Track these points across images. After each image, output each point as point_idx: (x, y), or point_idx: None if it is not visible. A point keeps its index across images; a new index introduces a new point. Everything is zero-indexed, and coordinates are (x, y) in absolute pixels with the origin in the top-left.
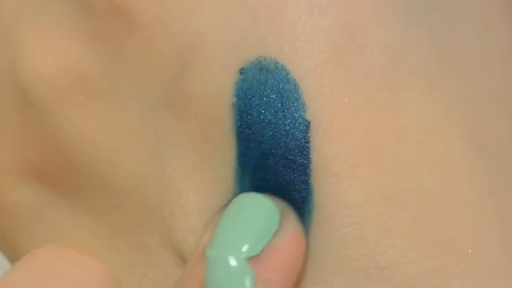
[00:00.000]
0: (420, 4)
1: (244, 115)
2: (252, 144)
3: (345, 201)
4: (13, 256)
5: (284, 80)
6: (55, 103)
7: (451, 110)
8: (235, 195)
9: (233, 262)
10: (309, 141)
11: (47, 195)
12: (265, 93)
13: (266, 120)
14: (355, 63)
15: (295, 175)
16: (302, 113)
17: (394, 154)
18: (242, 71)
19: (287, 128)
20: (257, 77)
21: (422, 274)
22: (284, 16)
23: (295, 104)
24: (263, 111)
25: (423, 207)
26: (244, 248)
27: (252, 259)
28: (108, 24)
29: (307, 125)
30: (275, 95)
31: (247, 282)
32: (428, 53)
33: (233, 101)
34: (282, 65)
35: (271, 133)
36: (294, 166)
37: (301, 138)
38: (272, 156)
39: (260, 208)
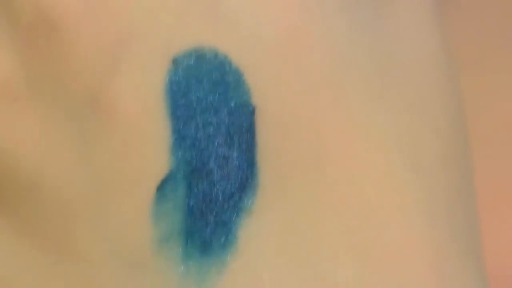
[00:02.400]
0: (360, 18)
1: (180, 99)
2: (191, 123)
3: (287, 190)
4: None
5: (227, 67)
6: None
7: (390, 125)
8: (171, 171)
9: None
10: (254, 124)
11: None
12: (204, 78)
13: (206, 103)
14: (300, 60)
15: (241, 153)
16: (248, 98)
17: (335, 160)
18: (175, 59)
19: (232, 110)
20: (194, 64)
21: (351, 281)
22: (223, 8)
23: (240, 90)
24: (202, 95)
25: (360, 217)
26: None
27: None
28: (33, 29)
29: (253, 109)
30: (216, 80)
31: None
32: (370, 63)
33: (167, 86)
34: (223, 54)
35: (212, 114)
36: (239, 145)
37: (247, 120)
38: (214, 135)
39: None
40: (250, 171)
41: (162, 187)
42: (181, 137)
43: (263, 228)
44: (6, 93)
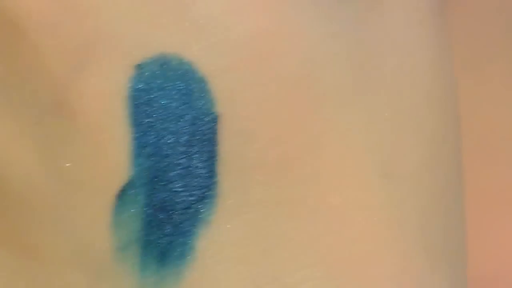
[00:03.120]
0: (341, 20)
1: (142, 106)
2: (152, 131)
3: (248, 198)
4: None
5: (190, 75)
6: None
7: (363, 130)
8: (130, 179)
9: None
10: (216, 133)
11: None
12: (167, 86)
13: (168, 110)
14: (271, 69)
15: (202, 162)
16: (211, 107)
17: (302, 164)
18: (139, 65)
19: (194, 118)
20: (158, 71)
21: None
22: (193, 14)
23: (203, 98)
24: (165, 102)
25: (325, 223)
26: None
27: None
28: None
29: (216, 117)
30: (180, 88)
31: None
32: (345, 69)
33: (130, 93)
34: (188, 61)
35: (173, 121)
36: (200, 154)
37: (208, 129)
38: (175, 143)
39: None
40: (210, 181)
41: (121, 195)
42: (141, 144)
43: (222, 238)
44: None
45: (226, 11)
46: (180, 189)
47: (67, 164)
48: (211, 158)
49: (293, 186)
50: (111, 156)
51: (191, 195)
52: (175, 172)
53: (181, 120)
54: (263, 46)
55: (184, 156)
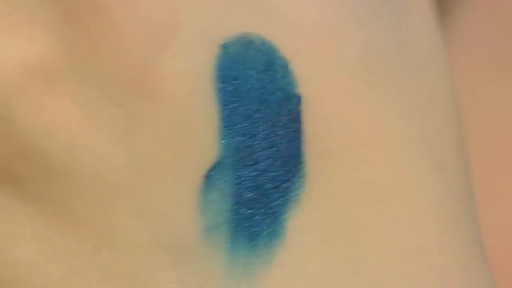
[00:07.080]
0: (385, 8)
1: (229, 86)
2: (239, 110)
3: (332, 179)
4: None
5: (274, 55)
6: (13, 94)
7: (414, 121)
8: (219, 159)
9: None
10: (301, 113)
11: None
12: (252, 65)
13: (254, 90)
14: (340, 53)
15: (288, 142)
16: (294, 87)
17: (374, 149)
18: (224, 45)
19: (279, 98)
20: (242, 51)
21: (396, 276)
22: None
23: (286, 78)
24: (250, 82)
25: (395, 209)
26: None
27: None
28: (76, 7)
29: (300, 98)
30: (264, 67)
31: None
32: (393, 59)
33: (216, 73)
34: (270, 41)
35: (259, 101)
36: (286, 133)
37: (294, 109)
38: (261, 122)
39: None
40: (298, 160)
41: (210, 175)
42: (229, 124)
43: (310, 217)
44: (47, 76)
45: None
46: (268, 168)
47: (150, 146)
48: (297, 138)
49: (368, 169)
50: (198, 136)
51: (279, 174)
52: (263, 152)
53: (267, 100)
54: (330, 30)
55: (271, 135)
